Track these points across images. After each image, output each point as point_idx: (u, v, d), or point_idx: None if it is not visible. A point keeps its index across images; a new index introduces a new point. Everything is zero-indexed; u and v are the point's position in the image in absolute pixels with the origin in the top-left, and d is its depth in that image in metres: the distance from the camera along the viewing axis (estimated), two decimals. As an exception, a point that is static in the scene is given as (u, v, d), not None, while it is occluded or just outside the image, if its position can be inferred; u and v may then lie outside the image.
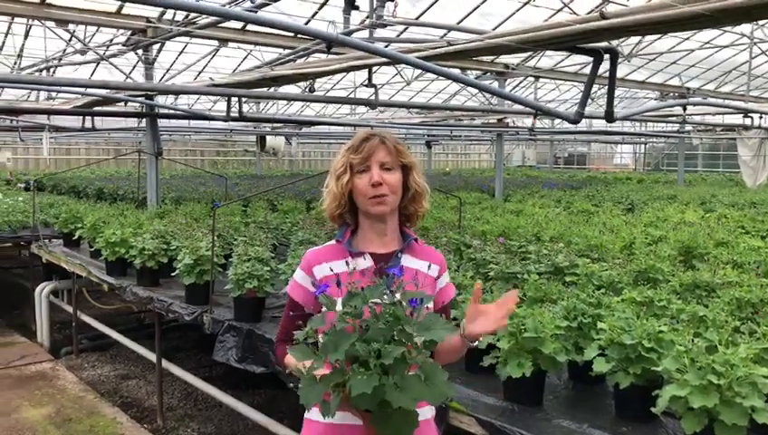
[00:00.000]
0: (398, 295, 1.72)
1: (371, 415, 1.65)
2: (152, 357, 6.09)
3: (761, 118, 9.36)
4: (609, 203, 10.00)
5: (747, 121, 9.23)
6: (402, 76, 13.76)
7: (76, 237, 7.33)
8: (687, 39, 13.17)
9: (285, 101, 18.56)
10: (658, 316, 3.12)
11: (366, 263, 2.01)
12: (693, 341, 2.51)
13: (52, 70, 9.98)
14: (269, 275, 4.50)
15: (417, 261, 2.07)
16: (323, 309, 1.97)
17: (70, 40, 8.61)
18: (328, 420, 1.95)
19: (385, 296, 1.71)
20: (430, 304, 1.92)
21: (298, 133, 17.05)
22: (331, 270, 1.99)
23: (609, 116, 3.87)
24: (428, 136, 21.05)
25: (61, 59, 9.49)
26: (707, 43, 13.58)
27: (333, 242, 2.10)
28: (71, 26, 7.82)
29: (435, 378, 1.65)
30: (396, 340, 1.65)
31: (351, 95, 15.31)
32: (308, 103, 18.97)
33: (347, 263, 2.02)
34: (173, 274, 5.10)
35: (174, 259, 5.22)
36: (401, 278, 1.82)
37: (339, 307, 1.76)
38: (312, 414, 2.00)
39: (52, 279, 8.14)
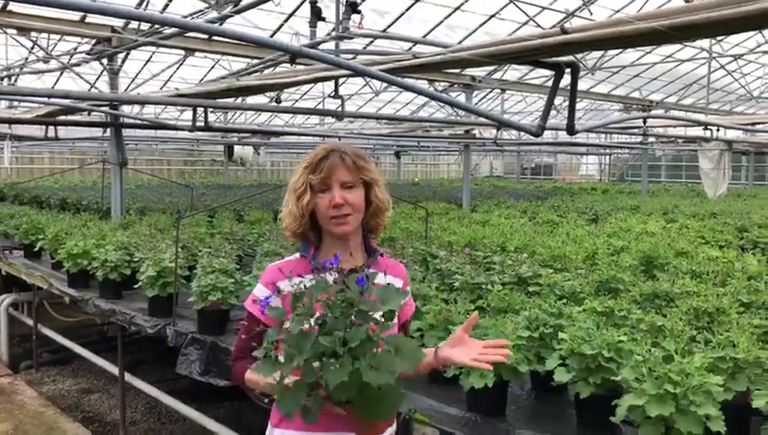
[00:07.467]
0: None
1: (355, 405, 1.63)
2: (115, 370, 6.00)
3: (718, 130, 9.58)
4: (573, 214, 10.10)
5: (707, 134, 9.46)
6: (371, 87, 13.83)
7: (37, 249, 7.19)
8: (649, 53, 13.50)
9: (253, 111, 18.49)
10: (618, 326, 3.17)
11: (331, 278, 1.92)
12: (651, 350, 2.55)
13: (13, 78, 9.80)
14: (233, 287, 4.46)
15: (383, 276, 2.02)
16: (286, 324, 1.95)
17: (32, 48, 8.47)
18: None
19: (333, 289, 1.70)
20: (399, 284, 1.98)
21: (266, 143, 16.97)
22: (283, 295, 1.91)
23: (571, 129, 3.93)
24: (397, 146, 21.13)
25: (23, 67, 9.32)
26: (669, 57, 13.92)
27: (297, 256, 2.05)
28: (33, 34, 7.69)
29: (404, 349, 1.66)
30: (355, 323, 1.64)
31: (320, 106, 15.32)
32: (276, 113, 18.93)
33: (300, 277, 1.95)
34: (136, 286, 5.04)
35: (137, 271, 5.16)
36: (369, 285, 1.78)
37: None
38: (275, 432, 1.98)
39: (12, 291, 7.96)
